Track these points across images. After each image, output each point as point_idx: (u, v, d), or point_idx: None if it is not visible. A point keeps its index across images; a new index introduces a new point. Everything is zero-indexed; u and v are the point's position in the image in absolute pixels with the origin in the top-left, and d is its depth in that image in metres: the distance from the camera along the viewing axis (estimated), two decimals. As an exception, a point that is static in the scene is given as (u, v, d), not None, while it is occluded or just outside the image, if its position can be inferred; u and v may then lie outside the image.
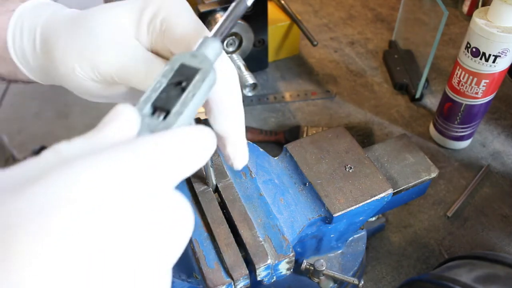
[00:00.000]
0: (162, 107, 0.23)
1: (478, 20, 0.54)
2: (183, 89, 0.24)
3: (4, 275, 0.14)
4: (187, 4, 0.33)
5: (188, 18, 0.31)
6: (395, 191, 0.45)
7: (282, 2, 0.81)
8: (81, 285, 0.15)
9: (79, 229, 0.16)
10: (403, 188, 0.46)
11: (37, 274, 0.15)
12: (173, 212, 0.19)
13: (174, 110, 0.23)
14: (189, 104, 0.24)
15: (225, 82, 0.30)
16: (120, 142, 0.19)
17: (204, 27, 0.32)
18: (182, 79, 0.24)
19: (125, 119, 0.21)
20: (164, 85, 0.24)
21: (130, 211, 0.17)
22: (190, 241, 0.38)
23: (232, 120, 0.31)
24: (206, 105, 0.30)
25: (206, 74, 0.25)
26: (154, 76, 0.26)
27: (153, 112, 0.23)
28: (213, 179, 0.40)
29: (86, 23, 0.33)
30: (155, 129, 0.23)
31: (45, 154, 0.18)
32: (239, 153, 0.32)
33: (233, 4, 0.29)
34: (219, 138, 0.32)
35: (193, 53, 0.26)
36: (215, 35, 0.28)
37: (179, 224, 0.19)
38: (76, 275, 0.15)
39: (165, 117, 0.23)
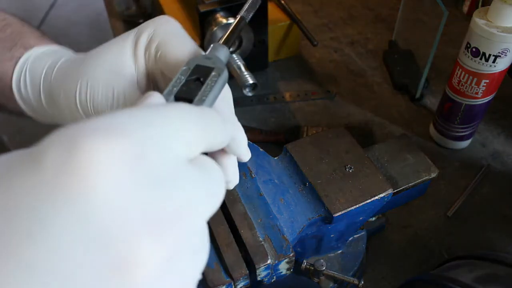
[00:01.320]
0: (184, 97, 0.27)
1: (478, 20, 0.54)
2: (202, 83, 0.27)
3: None
4: (180, 28, 0.35)
5: (182, 43, 0.33)
6: (395, 191, 0.45)
7: (282, 2, 0.81)
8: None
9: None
10: (403, 188, 0.46)
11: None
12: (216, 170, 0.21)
13: (196, 99, 0.26)
14: (209, 94, 0.27)
15: (224, 97, 0.33)
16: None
17: (199, 49, 0.34)
18: (199, 76, 0.28)
19: (158, 97, 0.24)
20: (183, 81, 0.27)
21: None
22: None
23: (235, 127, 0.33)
24: None
25: (221, 71, 0.28)
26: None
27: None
28: (213, 179, 0.40)
29: (85, 69, 0.34)
30: None
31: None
32: (245, 151, 0.34)
33: (235, 22, 0.34)
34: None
35: (206, 55, 0.30)
36: (223, 42, 0.32)
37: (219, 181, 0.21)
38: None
39: None
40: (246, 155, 0.34)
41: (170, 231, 0.17)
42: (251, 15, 0.36)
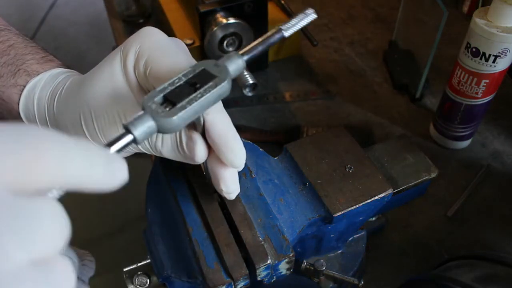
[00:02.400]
0: (170, 99, 0.26)
1: (478, 20, 0.54)
2: (195, 90, 0.27)
3: None
4: (165, 39, 0.34)
5: (169, 58, 0.33)
6: (395, 191, 0.45)
7: (282, 2, 0.81)
8: None
9: None
10: (403, 188, 0.46)
11: None
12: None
13: (179, 105, 0.26)
14: (194, 103, 0.26)
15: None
16: None
17: (188, 59, 0.34)
18: (197, 81, 0.27)
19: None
20: (181, 82, 0.27)
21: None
22: (190, 241, 0.38)
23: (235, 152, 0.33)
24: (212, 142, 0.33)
25: (219, 82, 0.27)
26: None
27: (163, 103, 0.26)
28: (213, 179, 0.40)
29: (84, 99, 0.35)
30: (156, 115, 0.25)
31: None
32: (242, 163, 0.35)
33: (271, 31, 0.31)
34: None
35: (217, 62, 0.28)
36: (243, 53, 0.30)
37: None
38: None
39: (170, 109, 0.26)
40: (242, 165, 0.35)
41: None
42: (291, 31, 0.32)
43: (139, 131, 0.25)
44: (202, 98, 0.26)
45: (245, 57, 0.30)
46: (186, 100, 0.26)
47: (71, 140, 0.19)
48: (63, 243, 0.18)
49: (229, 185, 0.35)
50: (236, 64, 0.29)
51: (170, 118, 0.25)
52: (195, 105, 0.26)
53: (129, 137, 0.25)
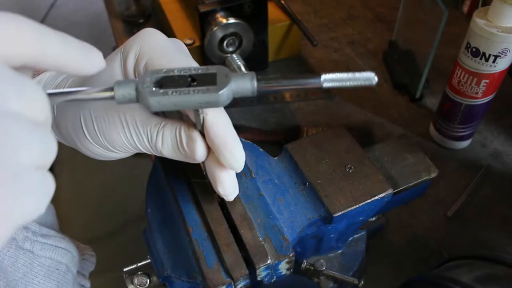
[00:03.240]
0: (161, 84, 0.27)
1: (478, 20, 0.54)
2: (189, 86, 0.27)
3: None
4: (166, 41, 0.34)
5: (169, 61, 0.33)
6: (395, 191, 0.45)
7: (282, 2, 0.81)
8: None
9: None
10: (403, 188, 0.46)
11: None
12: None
13: (163, 90, 0.27)
14: (176, 95, 0.27)
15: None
16: None
17: (188, 60, 0.34)
18: (198, 80, 0.27)
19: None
20: (187, 73, 0.27)
21: None
22: (190, 241, 0.38)
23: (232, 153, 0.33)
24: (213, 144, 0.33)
25: (212, 91, 0.27)
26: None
27: (160, 83, 0.27)
28: (213, 179, 0.40)
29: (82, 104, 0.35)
30: (141, 87, 0.27)
31: None
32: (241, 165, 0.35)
33: (306, 76, 0.28)
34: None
35: (229, 72, 0.27)
36: (261, 80, 0.27)
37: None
38: None
39: (155, 89, 0.27)
40: (241, 167, 0.34)
41: None
42: (332, 85, 0.28)
43: (119, 91, 0.27)
44: (188, 96, 0.27)
45: (257, 83, 0.27)
46: (173, 89, 0.27)
47: (46, 27, 0.21)
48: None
49: (227, 187, 0.35)
50: (243, 84, 0.27)
51: (147, 97, 0.27)
52: (177, 98, 0.27)
53: (109, 93, 0.27)
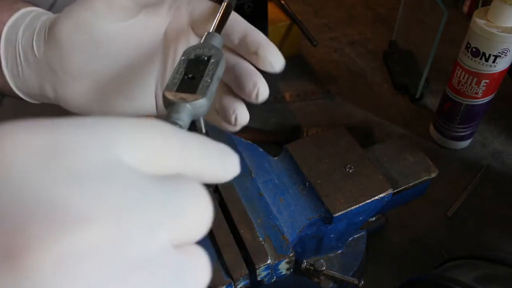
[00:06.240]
0: (186, 90, 0.26)
1: (478, 20, 0.54)
2: (202, 72, 0.27)
3: None
4: None
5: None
6: (395, 191, 0.45)
7: (282, 2, 0.81)
8: None
9: None
10: (403, 188, 0.46)
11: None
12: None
13: (199, 89, 0.26)
14: (210, 84, 0.27)
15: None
16: None
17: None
18: (199, 64, 0.28)
19: None
20: (182, 72, 0.27)
21: None
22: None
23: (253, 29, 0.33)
24: (230, 33, 0.33)
25: (219, 57, 0.28)
26: None
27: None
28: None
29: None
30: (186, 102, 0.26)
31: None
32: (273, 51, 0.33)
33: (223, 4, 0.32)
34: (246, 53, 0.33)
35: (200, 44, 0.29)
36: (215, 30, 0.31)
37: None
38: None
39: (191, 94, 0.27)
40: (278, 57, 0.33)
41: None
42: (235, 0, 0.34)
43: (183, 121, 0.26)
44: (214, 76, 0.27)
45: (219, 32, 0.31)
46: (202, 83, 0.26)
47: (187, 132, 0.19)
48: (206, 229, 0.17)
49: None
50: (217, 40, 0.30)
51: (200, 100, 0.26)
52: (212, 85, 0.27)
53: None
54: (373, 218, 0.55)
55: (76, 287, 0.13)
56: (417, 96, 0.74)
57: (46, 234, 0.13)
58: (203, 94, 0.26)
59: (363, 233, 0.50)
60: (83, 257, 0.13)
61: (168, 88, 0.26)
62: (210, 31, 0.31)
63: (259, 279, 0.37)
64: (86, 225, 0.14)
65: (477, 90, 0.59)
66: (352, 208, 0.41)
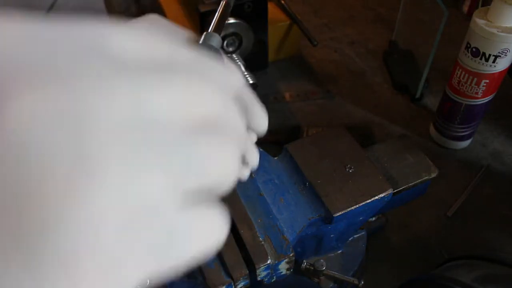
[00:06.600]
0: None
1: (478, 20, 0.54)
2: None
3: None
4: (171, 25, 0.34)
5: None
6: (395, 191, 0.45)
7: (282, 2, 0.81)
8: None
9: None
10: (403, 188, 0.46)
11: None
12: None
13: None
14: None
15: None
16: None
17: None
18: None
19: None
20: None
21: None
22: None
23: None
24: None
25: (217, 57, 0.28)
26: None
27: None
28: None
29: None
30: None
31: None
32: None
33: (222, 3, 0.33)
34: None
35: (199, 45, 0.29)
36: (213, 30, 0.31)
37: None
38: None
39: None
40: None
41: None
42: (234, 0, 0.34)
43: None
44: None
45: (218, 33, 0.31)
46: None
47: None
48: (230, 185, 0.17)
49: (255, 159, 0.32)
50: (216, 40, 0.30)
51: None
52: None
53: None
54: (373, 218, 0.55)
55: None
56: (417, 96, 0.74)
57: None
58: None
59: (363, 233, 0.50)
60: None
61: None
62: (209, 31, 0.31)
63: (259, 279, 0.37)
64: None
65: (477, 90, 0.59)
66: (352, 208, 0.41)
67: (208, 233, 0.17)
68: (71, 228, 0.13)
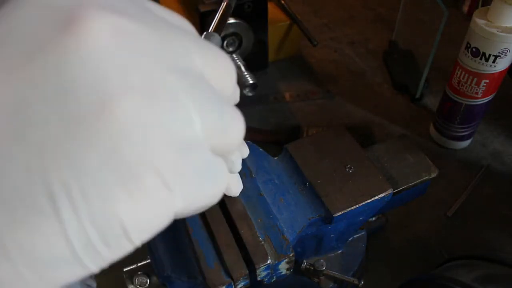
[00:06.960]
0: None
1: (478, 20, 0.54)
2: None
3: None
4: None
5: None
6: (395, 191, 0.45)
7: (282, 2, 0.81)
8: None
9: None
10: (403, 188, 0.46)
11: None
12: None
13: None
14: None
15: None
16: None
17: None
18: None
19: None
20: None
21: None
22: (190, 241, 0.38)
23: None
24: None
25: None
26: None
27: None
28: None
29: None
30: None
31: None
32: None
33: (223, 4, 0.34)
34: None
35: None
36: (214, 30, 0.31)
37: None
38: None
39: None
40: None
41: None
42: (235, 1, 0.35)
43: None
44: None
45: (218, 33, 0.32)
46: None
47: None
48: (240, 141, 0.20)
49: (235, 191, 0.36)
50: (216, 40, 0.31)
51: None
52: None
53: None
54: (373, 218, 0.55)
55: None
56: (417, 96, 0.74)
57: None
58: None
59: (363, 233, 0.50)
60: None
61: None
62: (209, 31, 0.31)
63: (259, 279, 0.37)
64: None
65: (477, 90, 0.59)
66: (352, 208, 0.41)
67: (224, 178, 0.19)
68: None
